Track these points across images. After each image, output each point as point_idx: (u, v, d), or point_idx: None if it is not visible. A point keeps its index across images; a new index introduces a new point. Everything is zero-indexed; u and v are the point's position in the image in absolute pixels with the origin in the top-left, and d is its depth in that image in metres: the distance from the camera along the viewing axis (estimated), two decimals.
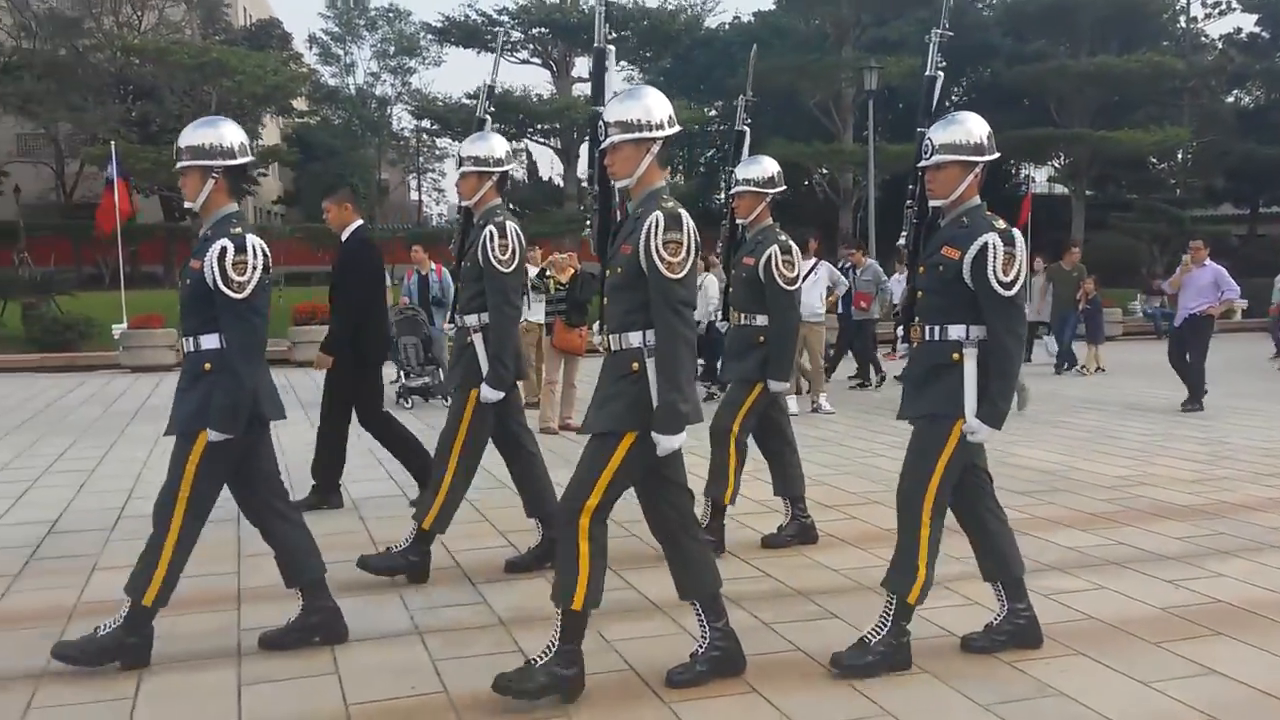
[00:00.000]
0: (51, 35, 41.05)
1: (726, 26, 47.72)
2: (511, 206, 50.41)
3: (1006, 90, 38.74)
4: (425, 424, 10.13)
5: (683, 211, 3.64)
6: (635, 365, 3.67)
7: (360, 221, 6.81)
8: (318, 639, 4.29)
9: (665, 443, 3.60)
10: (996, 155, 4.01)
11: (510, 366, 5.07)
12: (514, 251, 5.02)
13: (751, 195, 5.59)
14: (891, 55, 33.11)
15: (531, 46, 50.79)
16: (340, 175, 45.81)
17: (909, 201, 4.39)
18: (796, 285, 5.48)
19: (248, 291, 3.94)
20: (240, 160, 4.10)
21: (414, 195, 64.01)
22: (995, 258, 3.80)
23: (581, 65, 45.92)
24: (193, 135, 4.08)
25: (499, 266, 4.99)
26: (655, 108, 3.71)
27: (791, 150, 31.60)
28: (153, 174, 31.27)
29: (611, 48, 4.33)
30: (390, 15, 54.02)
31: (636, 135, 3.68)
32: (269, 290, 4.07)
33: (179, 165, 4.10)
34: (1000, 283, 3.80)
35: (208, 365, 4.00)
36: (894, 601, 3.99)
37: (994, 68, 41.15)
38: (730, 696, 3.78)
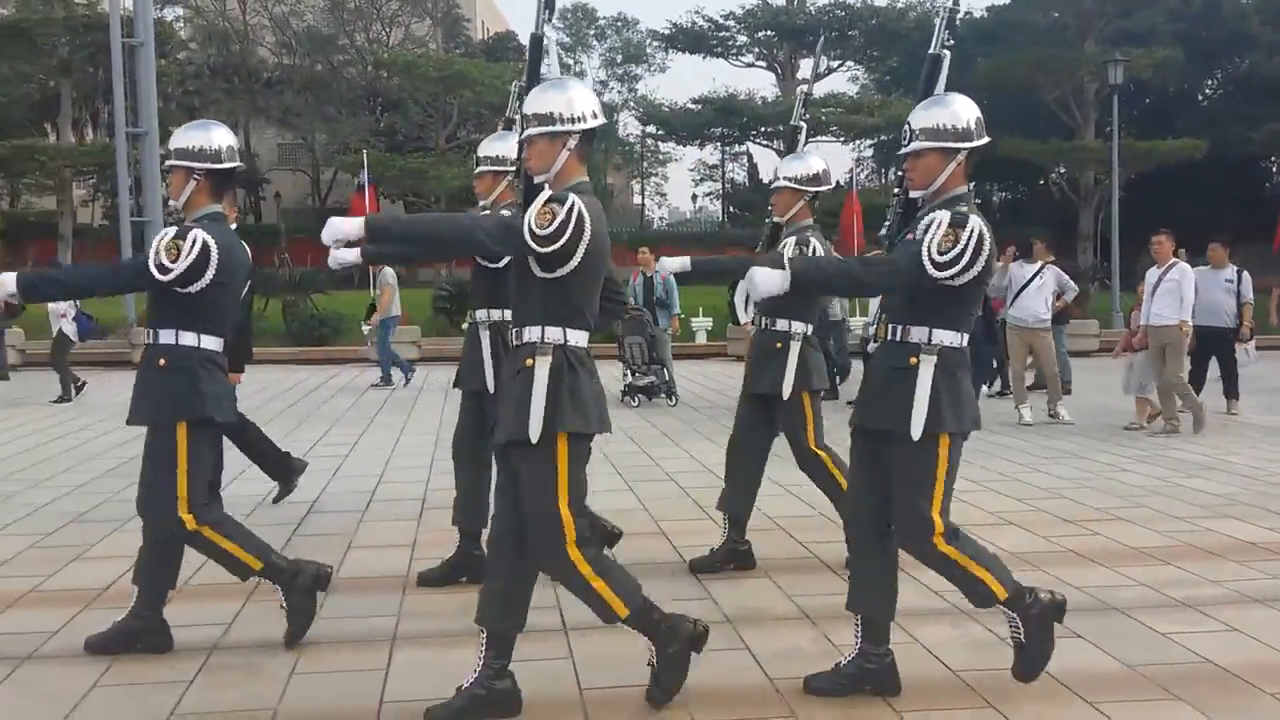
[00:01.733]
0: (310, 52, 44.24)
1: (959, 22, 46.18)
2: (731, 209, 50.34)
3: (1266, 82, 35.80)
4: (648, 422, 10.33)
5: (574, 196, 3.41)
6: (529, 361, 3.49)
7: None
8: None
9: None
10: (984, 142, 3.70)
11: None
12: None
13: (790, 192, 5.34)
14: (1138, 47, 31.20)
15: (757, 50, 50.76)
16: None
17: (895, 190, 4.08)
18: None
19: (169, 276, 3.93)
20: (225, 165, 4.16)
21: (637, 199, 65.21)
22: (936, 233, 3.48)
23: (807, 67, 45.46)
24: (182, 137, 4.19)
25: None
26: (577, 100, 3.53)
27: (1026, 148, 30.30)
28: (398, 181, 33.16)
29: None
30: (619, 24, 55.26)
31: (552, 129, 3.51)
32: (214, 289, 4.01)
33: (166, 164, 4.26)
34: (932, 260, 3.44)
35: (163, 360, 4.04)
36: (1006, 606, 3.69)
37: (1252, 59, 38.12)
38: (966, 710, 3.67)
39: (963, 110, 3.68)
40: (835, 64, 49.84)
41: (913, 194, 3.80)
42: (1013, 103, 35.34)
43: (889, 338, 3.68)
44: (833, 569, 5.29)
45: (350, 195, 23.43)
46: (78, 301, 12.48)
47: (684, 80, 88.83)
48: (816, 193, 5.33)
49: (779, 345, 5.16)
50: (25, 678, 3.93)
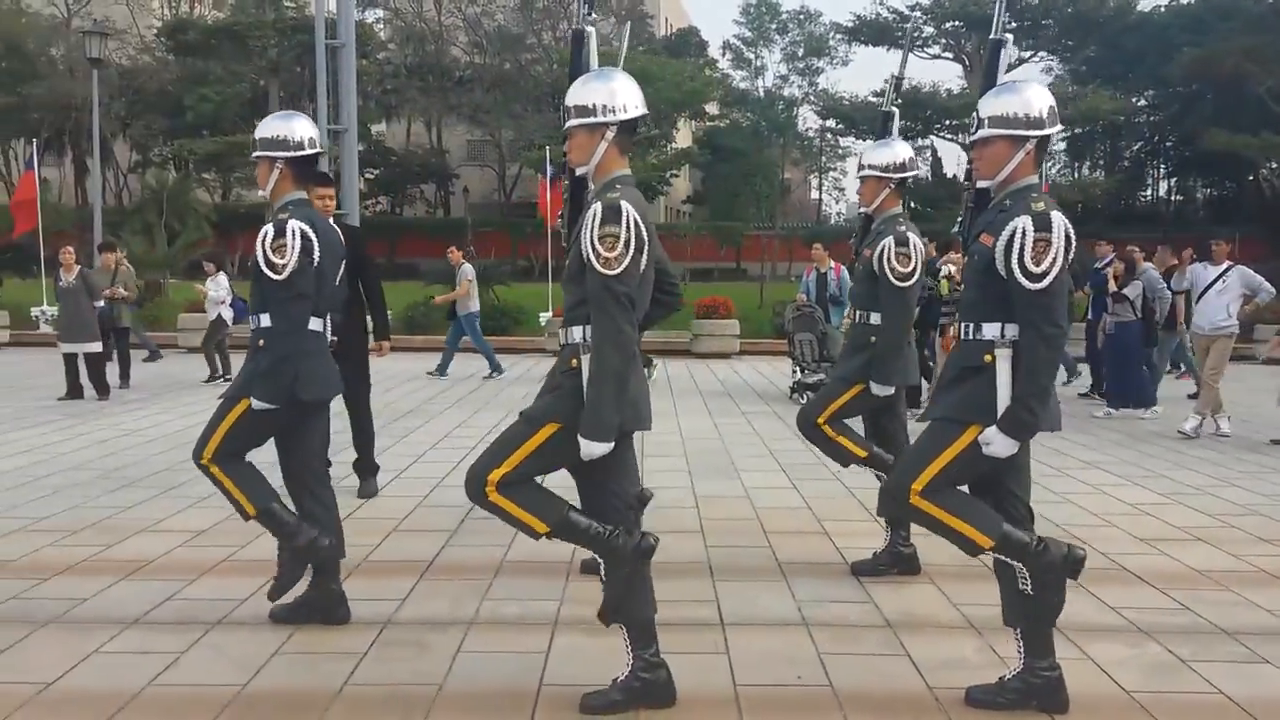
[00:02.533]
0: (499, 51, 45.60)
1: (1162, 9, 43.76)
2: (914, 205, 49.28)
3: None
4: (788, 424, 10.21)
5: (625, 204, 3.38)
6: (574, 361, 3.47)
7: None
8: (318, 618, 4.41)
9: (586, 448, 3.40)
10: (1056, 130, 3.54)
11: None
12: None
13: (874, 180, 5.16)
14: None
15: (944, 41, 49.37)
16: (745, 175, 47.12)
17: (964, 181, 3.88)
18: (910, 282, 5.00)
19: (285, 274, 4.10)
20: (307, 152, 4.30)
21: (814, 194, 64.46)
22: (1025, 243, 3.37)
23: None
24: (265, 128, 4.34)
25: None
26: (619, 91, 3.49)
27: (1235, 142, 28.45)
28: None
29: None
30: (801, 18, 54.69)
31: (591, 120, 3.49)
32: (310, 274, 4.17)
33: (252, 155, 4.38)
34: (1027, 273, 3.36)
35: (261, 341, 4.23)
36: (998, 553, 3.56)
37: None
38: None
39: (1035, 98, 3.55)
40: (1027, 55, 47.98)
41: (979, 184, 3.69)
42: (1221, 94, 33.25)
43: (962, 336, 3.64)
44: None
45: (538, 189, 24.00)
46: (232, 287, 13.39)
47: (865, 73, 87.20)
48: (903, 180, 5.21)
49: (872, 339, 5.12)
50: (215, 641, 4.22)
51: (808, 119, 55.62)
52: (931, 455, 3.55)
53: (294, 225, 4.16)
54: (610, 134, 3.50)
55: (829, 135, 55.45)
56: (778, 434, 9.42)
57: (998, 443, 3.45)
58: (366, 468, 6.94)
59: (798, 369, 11.91)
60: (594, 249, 3.34)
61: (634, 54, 40.31)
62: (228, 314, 13.16)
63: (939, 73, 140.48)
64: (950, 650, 4.21)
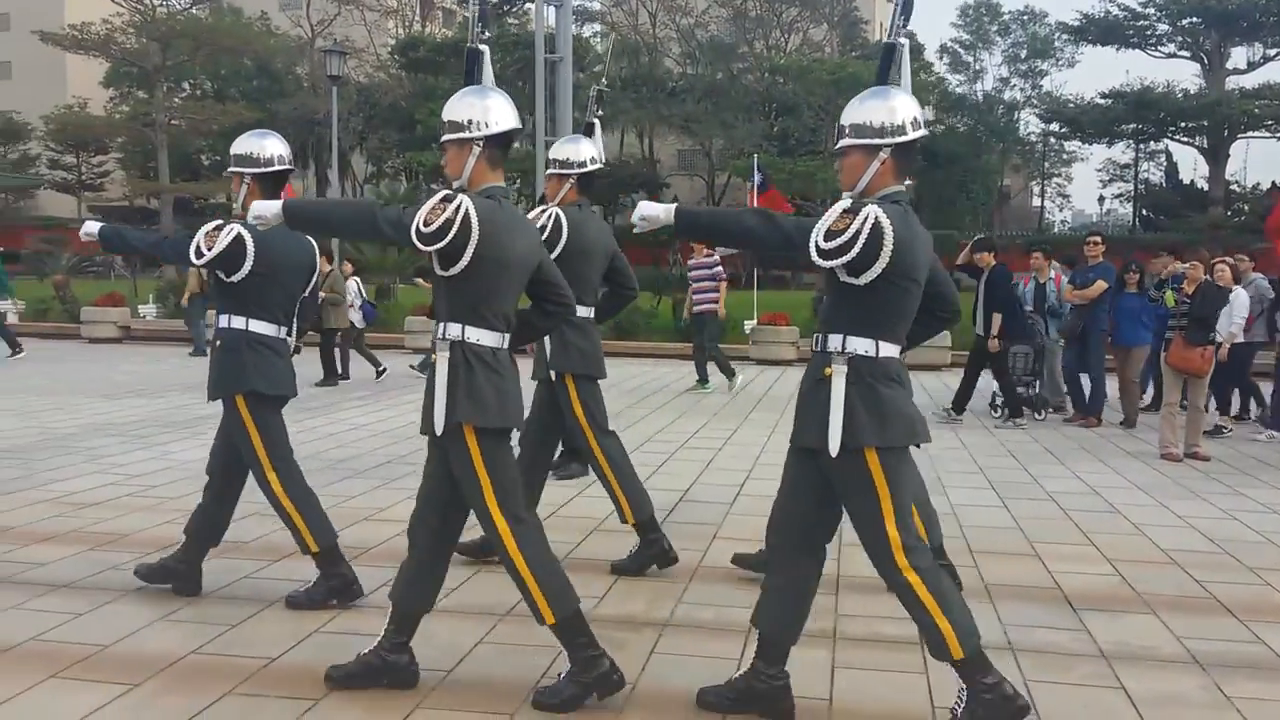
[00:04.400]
0: (711, 61, 45.94)
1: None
2: (1146, 212, 46.17)
3: None
4: (1029, 436, 9.77)
5: (464, 196, 3.52)
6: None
7: None
8: (335, 602, 4.62)
9: None
10: (910, 138, 3.38)
11: None
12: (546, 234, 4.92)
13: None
14: None
15: (1180, 39, 46.46)
16: (961, 181, 45.67)
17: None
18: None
19: (204, 260, 4.39)
20: (275, 169, 4.56)
21: (1035, 201, 61.79)
22: (826, 218, 3.28)
23: (1239, 55, 40.99)
24: (237, 145, 4.61)
25: None
26: (469, 108, 3.68)
27: None
28: (787, 184, 33.66)
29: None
30: (1024, 18, 52.62)
31: (459, 135, 3.67)
32: (254, 279, 4.43)
33: (226, 170, 4.68)
34: (818, 246, 3.23)
35: (219, 341, 4.56)
36: (957, 670, 3.41)
37: None
38: None
39: (898, 105, 3.42)
40: (1272, 52, 44.49)
41: (844, 195, 3.49)
42: None
43: (813, 347, 3.51)
44: (1232, 611, 4.77)
45: (745, 198, 24.08)
46: (362, 291, 13.88)
47: (1093, 74, 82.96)
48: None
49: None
50: (423, 628, 4.40)
51: (1030, 123, 53.45)
52: (876, 506, 3.40)
53: (235, 227, 4.43)
54: (476, 149, 3.67)
55: (1053, 139, 53.08)
56: (987, 449, 9.08)
57: (648, 208, 3.46)
58: (572, 454, 7.34)
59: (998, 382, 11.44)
60: (419, 219, 3.49)
61: (846, 60, 39.87)
62: (356, 316, 13.69)
63: (1174, 72, 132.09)
64: (1169, 686, 3.95)
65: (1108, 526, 6.36)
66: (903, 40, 3.87)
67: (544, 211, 5.06)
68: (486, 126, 3.67)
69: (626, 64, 47.80)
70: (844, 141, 3.45)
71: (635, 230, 3.63)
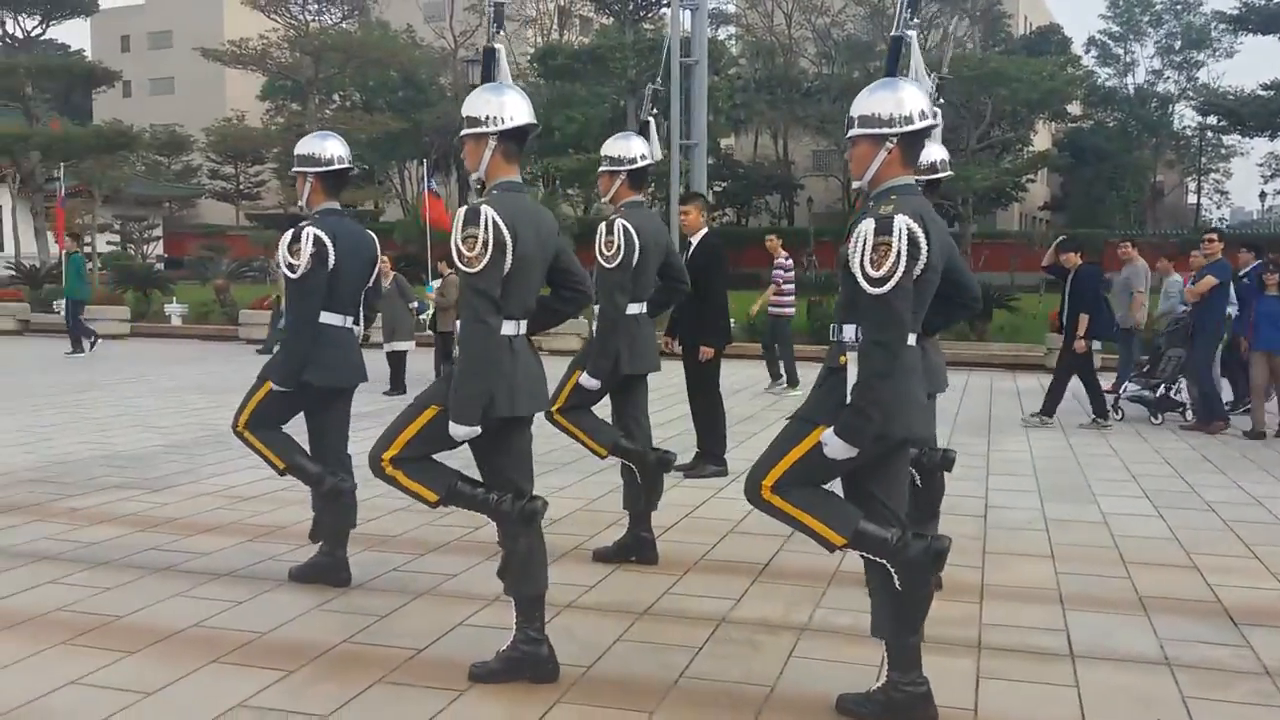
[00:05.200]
0: (848, 60, 45.35)
1: None
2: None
3: None
4: (1187, 444, 9.33)
5: (485, 207, 3.63)
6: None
7: (707, 229, 7.62)
8: (327, 579, 4.92)
9: (452, 429, 3.69)
10: (917, 127, 3.39)
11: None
12: (619, 248, 5.17)
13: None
14: None
15: None
16: (1110, 178, 43.93)
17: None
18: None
19: (297, 274, 4.66)
20: (335, 167, 4.87)
21: (1191, 198, 58.98)
22: (864, 247, 3.26)
23: None
24: (301, 146, 4.93)
25: (603, 263, 5.20)
26: (485, 104, 3.82)
27: None
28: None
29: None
30: (1178, 7, 50.33)
31: (476, 130, 3.81)
32: (321, 274, 4.68)
33: (291, 170, 4.98)
34: (867, 277, 3.25)
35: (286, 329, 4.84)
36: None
37: None
38: None
39: (906, 96, 3.42)
40: None
41: (854, 184, 3.58)
42: None
43: (830, 336, 3.60)
44: None
45: None
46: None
47: (1254, 65, 78.56)
48: (930, 181, 4.71)
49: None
50: (564, 624, 4.49)
51: (1185, 116, 51.07)
52: (782, 452, 3.50)
53: (309, 231, 4.70)
54: (492, 143, 3.81)
55: (1210, 133, 50.60)
56: (1140, 456, 8.71)
57: (833, 444, 3.34)
58: (706, 455, 7.51)
59: (1162, 386, 10.95)
60: (457, 249, 3.66)
61: (989, 55, 38.81)
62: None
63: None
64: None
65: (1273, 539, 6.03)
66: (909, 33, 3.94)
67: (610, 224, 5.25)
68: (501, 122, 3.81)
69: (761, 65, 47.58)
70: (852, 132, 3.50)
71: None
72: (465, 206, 3.71)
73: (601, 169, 5.49)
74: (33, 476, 7.40)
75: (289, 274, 4.72)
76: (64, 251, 18.28)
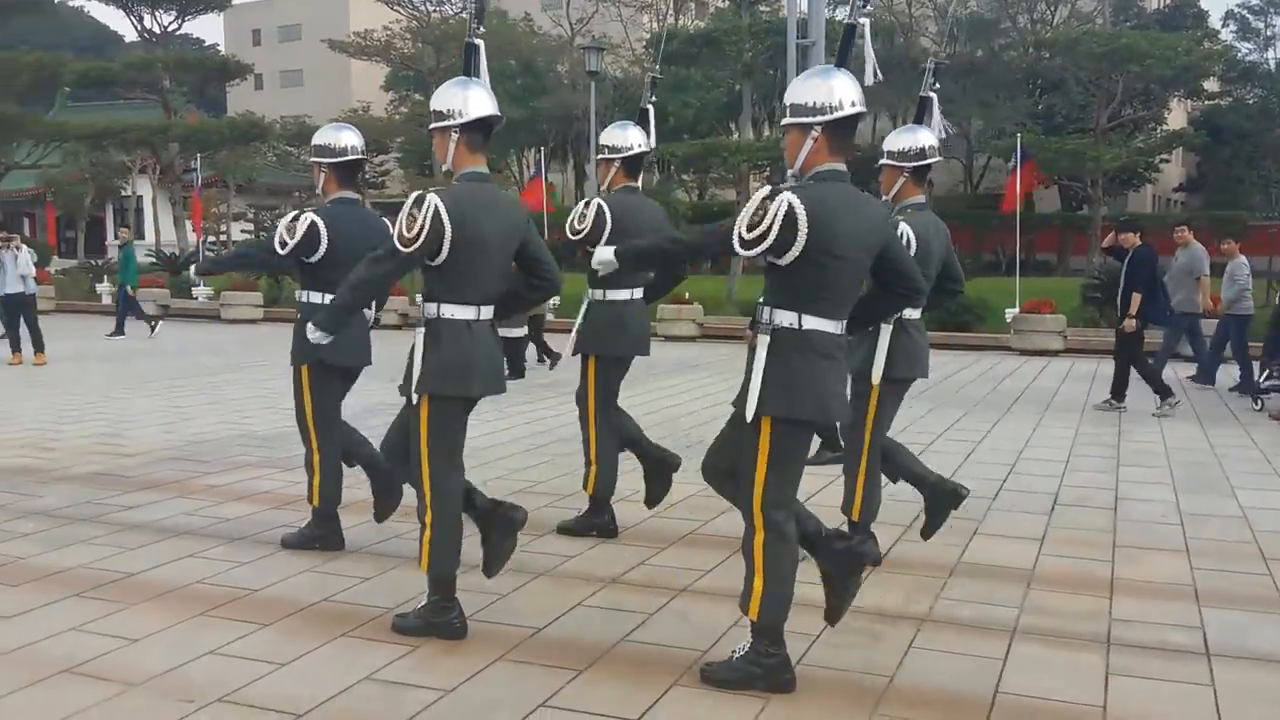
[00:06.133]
0: (970, 39, 44.17)
1: None
2: None
3: None
4: None
5: (431, 194, 3.86)
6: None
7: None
8: (318, 545, 5.25)
9: (310, 331, 4.19)
10: (843, 114, 3.49)
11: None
12: (590, 224, 5.25)
13: (890, 169, 5.16)
14: None
15: None
16: (1250, 158, 41.89)
17: None
18: None
19: (286, 251, 4.94)
20: (348, 158, 5.08)
21: None
22: (748, 208, 3.46)
23: None
24: (317, 137, 5.15)
25: (570, 235, 5.38)
26: (450, 98, 4.03)
27: None
28: (1053, 163, 31.93)
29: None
30: None
31: (441, 124, 4.04)
32: (304, 254, 4.95)
33: (309, 160, 5.25)
34: (740, 237, 3.46)
35: (299, 314, 5.05)
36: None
37: None
38: None
39: (837, 85, 3.53)
40: None
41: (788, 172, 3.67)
42: None
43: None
44: None
45: (1004, 179, 23.10)
46: None
47: None
48: (919, 168, 5.06)
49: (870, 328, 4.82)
50: (679, 607, 4.51)
51: None
52: (750, 463, 3.64)
53: (308, 215, 4.98)
54: (455, 135, 4.02)
55: None
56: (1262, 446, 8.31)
57: (598, 254, 3.93)
58: (826, 443, 7.44)
59: (1269, 370, 10.51)
60: (399, 224, 3.94)
61: (1120, 30, 37.34)
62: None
63: None
64: None
65: None
66: (862, 20, 3.97)
67: (588, 202, 5.35)
68: (463, 115, 4.01)
69: (880, 45, 46.71)
70: (784, 120, 3.61)
71: (599, 274, 4.14)
72: (416, 192, 3.95)
73: (599, 157, 5.65)
74: (173, 455, 7.75)
75: (278, 248, 5.00)
76: (120, 243, 19.03)
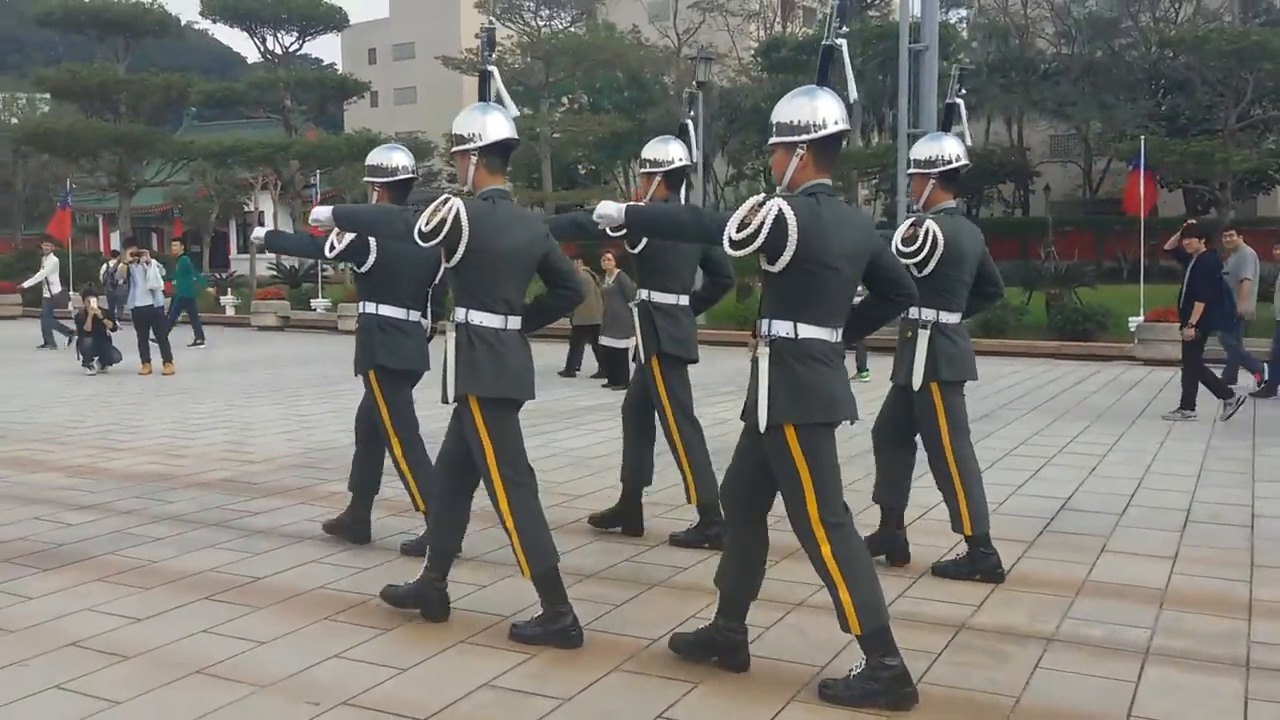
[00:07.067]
0: (1090, 39, 42.91)
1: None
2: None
3: None
4: None
5: (456, 199, 4.08)
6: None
7: None
8: (348, 536, 5.64)
9: (316, 212, 4.52)
10: (826, 133, 3.62)
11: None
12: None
13: (919, 176, 5.15)
14: None
15: None
16: None
17: None
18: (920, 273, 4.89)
19: (332, 255, 5.20)
20: (400, 177, 5.31)
21: None
22: (740, 211, 3.57)
23: None
24: (370, 158, 5.40)
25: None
26: (471, 122, 4.24)
27: None
28: (1177, 166, 30.78)
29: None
30: None
31: (462, 147, 4.26)
32: (379, 269, 5.18)
33: (363, 179, 5.56)
34: (730, 238, 3.57)
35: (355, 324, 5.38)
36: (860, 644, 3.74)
37: None
38: None
39: (820, 105, 3.65)
40: None
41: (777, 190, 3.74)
42: None
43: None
44: None
45: (1125, 183, 22.32)
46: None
47: None
48: (947, 173, 5.06)
49: (909, 334, 5.01)
50: (795, 622, 4.45)
51: None
52: (792, 472, 3.71)
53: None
54: (475, 158, 4.24)
55: None
56: None
57: (601, 207, 3.94)
58: None
59: None
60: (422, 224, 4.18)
61: (1250, 28, 35.79)
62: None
63: None
64: None
65: None
66: (839, 41, 3.97)
67: None
68: (482, 138, 4.23)
69: (994, 47, 45.69)
70: (771, 139, 3.73)
71: (599, 227, 4.11)
72: (443, 194, 4.19)
73: (640, 171, 5.82)
74: (296, 462, 7.99)
75: (326, 250, 5.21)
76: (174, 255, 19.37)
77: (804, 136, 3.64)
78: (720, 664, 3.92)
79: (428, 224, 4.08)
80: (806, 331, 3.63)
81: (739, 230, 3.54)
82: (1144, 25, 42.68)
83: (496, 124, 4.26)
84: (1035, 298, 20.52)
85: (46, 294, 19.58)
